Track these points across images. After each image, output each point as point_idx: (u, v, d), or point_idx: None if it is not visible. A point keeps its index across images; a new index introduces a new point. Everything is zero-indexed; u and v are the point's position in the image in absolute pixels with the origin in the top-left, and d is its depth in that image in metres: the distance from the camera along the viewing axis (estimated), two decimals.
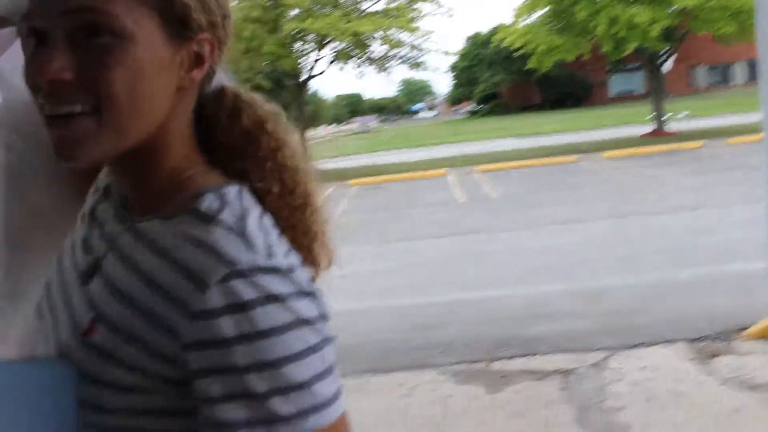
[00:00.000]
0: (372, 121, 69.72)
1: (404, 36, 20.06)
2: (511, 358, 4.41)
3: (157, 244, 0.70)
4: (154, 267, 0.69)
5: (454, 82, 65.90)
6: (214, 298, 0.63)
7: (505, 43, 20.57)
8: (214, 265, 0.64)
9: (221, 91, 0.82)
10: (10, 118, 1.01)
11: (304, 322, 0.65)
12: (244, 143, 0.79)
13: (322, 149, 35.86)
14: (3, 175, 1.01)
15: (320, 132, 65.93)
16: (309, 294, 0.67)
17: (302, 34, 19.28)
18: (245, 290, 0.63)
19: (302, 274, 0.69)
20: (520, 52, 20.32)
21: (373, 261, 8.12)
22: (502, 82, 54.92)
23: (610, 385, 3.83)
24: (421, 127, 58.80)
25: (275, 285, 0.65)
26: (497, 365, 4.34)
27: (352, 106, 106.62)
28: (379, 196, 14.77)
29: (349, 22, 18.49)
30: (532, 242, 8.14)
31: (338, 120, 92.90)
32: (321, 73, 25.12)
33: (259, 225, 0.71)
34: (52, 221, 1.00)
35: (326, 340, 0.67)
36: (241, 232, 0.68)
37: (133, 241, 0.73)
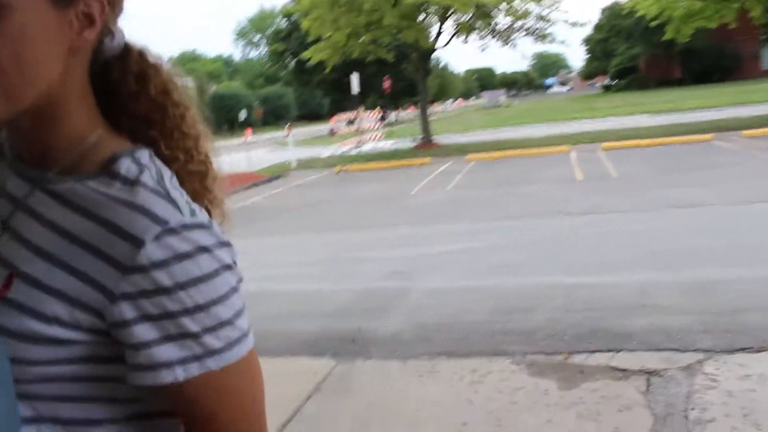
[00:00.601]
0: (501, 96, 68.18)
1: (530, 6, 19.23)
2: (593, 352, 4.03)
3: (79, 205, 0.73)
4: (78, 226, 0.72)
5: (589, 55, 63.14)
6: (151, 253, 0.69)
7: (639, 11, 19.21)
8: (149, 224, 0.69)
9: (126, 51, 0.81)
10: None
11: (226, 267, 0.73)
12: (152, 111, 0.81)
13: (447, 123, 35.52)
14: None
15: (448, 106, 65.49)
16: (225, 243, 0.74)
17: (425, 5, 18.92)
18: (178, 245, 0.70)
19: (218, 227, 0.75)
20: (656, 21, 18.90)
21: (475, 239, 7.87)
22: (640, 55, 52.03)
23: (701, 392, 3.38)
24: (551, 102, 56.92)
25: (201, 238, 0.71)
26: (577, 359, 3.98)
27: (483, 80, 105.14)
28: (495, 171, 14.36)
29: None
30: (645, 226, 7.54)
31: (468, 94, 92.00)
32: (444, 46, 24.69)
33: (175, 186, 0.76)
34: None
35: (240, 280, 0.75)
36: (164, 193, 0.73)
37: (48, 202, 0.75)
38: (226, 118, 47.28)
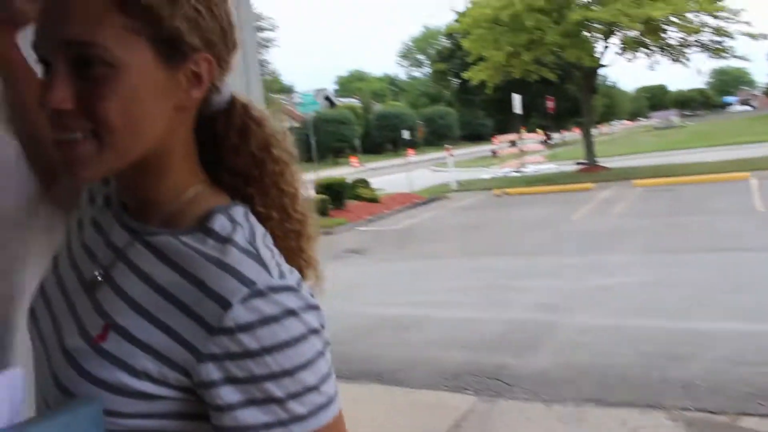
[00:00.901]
0: (674, 116, 64.45)
1: (705, 19, 17.95)
2: (767, 416, 3.61)
3: (173, 259, 0.74)
4: (171, 282, 0.73)
5: None
6: (237, 315, 0.68)
7: None
8: (236, 286, 0.69)
9: (230, 104, 0.83)
10: None
11: (313, 331, 0.72)
12: (250, 167, 0.82)
13: (614, 146, 34.07)
14: None
15: (615, 127, 62.94)
16: (314, 306, 0.73)
17: (588, 22, 18.29)
18: (265, 307, 0.69)
19: (307, 289, 0.75)
20: None
21: (636, 273, 7.42)
22: None
23: None
24: (731, 123, 52.88)
25: (289, 301, 0.71)
26: (747, 422, 3.57)
27: (654, 99, 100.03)
28: (662, 199, 13.50)
29: (640, 7, 17.02)
30: None
31: (638, 114, 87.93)
32: (608, 65, 23.74)
33: (267, 245, 0.76)
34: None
35: (327, 344, 0.74)
36: (255, 253, 0.73)
37: (145, 253, 0.77)
38: (390, 138, 48.33)
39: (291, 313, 0.70)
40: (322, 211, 14.89)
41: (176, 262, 0.74)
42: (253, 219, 0.79)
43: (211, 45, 0.76)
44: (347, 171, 30.24)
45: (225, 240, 0.74)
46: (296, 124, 45.19)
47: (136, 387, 0.72)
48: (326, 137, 42.08)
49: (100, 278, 0.80)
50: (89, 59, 0.69)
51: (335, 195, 15.61)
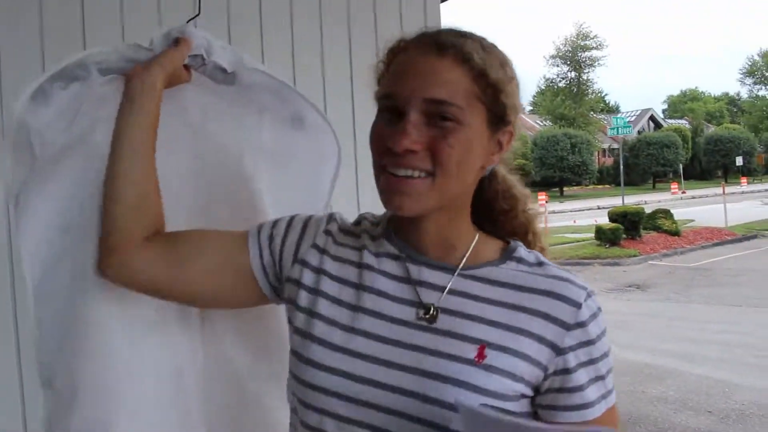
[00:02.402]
0: None
1: None
2: None
3: (509, 282, 0.93)
4: (517, 298, 0.91)
5: None
6: (584, 312, 0.90)
7: None
8: (578, 291, 0.91)
9: (493, 171, 1.01)
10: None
11: None
12: (517, 228, 1.03)
13: None
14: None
15: None
16: None
17: None
18: (593, 304, 0.91)
19: None
20: None
21: None
22: None
23: None
24: None
25: (597, 301, 0.93)
26: None
27: None
28: None
29: None
30: None
31: None
32: None
33: None
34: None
35: None
36: (564, 270, 0.95)
37: (472, 284, 0.94)
38: (721, 164, 43.89)
39: (600, 309, 0.92)
40: (614, 241, 14.28)
41: (513, 284, 0.92)
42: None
43: (515, 119, 0.94)
44: (665, 197, 28.19)
45: (540, 263, 0.95)
46: (615, 145, 43.40)
47: (518, 390, 0.88)
48: (648, 160, 39.64)
49: (434, 313, 0.92)
50: (444, 115, 0.86)
51: (631, 224, 14.81)
